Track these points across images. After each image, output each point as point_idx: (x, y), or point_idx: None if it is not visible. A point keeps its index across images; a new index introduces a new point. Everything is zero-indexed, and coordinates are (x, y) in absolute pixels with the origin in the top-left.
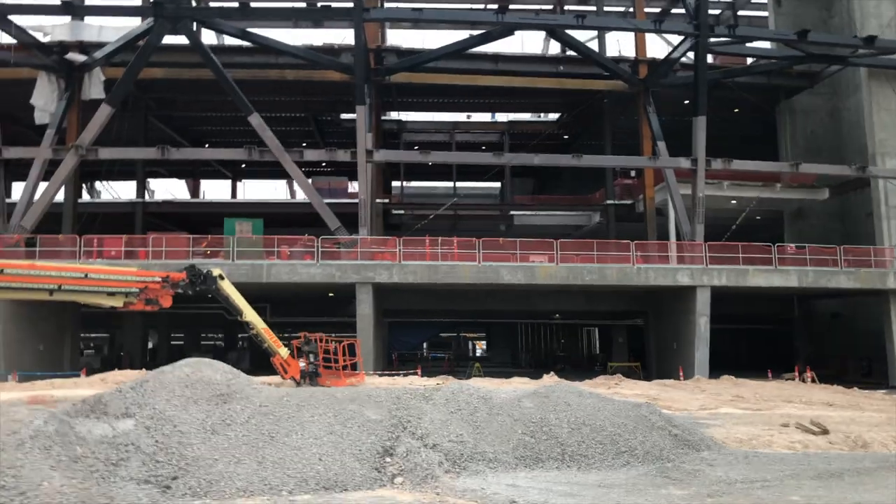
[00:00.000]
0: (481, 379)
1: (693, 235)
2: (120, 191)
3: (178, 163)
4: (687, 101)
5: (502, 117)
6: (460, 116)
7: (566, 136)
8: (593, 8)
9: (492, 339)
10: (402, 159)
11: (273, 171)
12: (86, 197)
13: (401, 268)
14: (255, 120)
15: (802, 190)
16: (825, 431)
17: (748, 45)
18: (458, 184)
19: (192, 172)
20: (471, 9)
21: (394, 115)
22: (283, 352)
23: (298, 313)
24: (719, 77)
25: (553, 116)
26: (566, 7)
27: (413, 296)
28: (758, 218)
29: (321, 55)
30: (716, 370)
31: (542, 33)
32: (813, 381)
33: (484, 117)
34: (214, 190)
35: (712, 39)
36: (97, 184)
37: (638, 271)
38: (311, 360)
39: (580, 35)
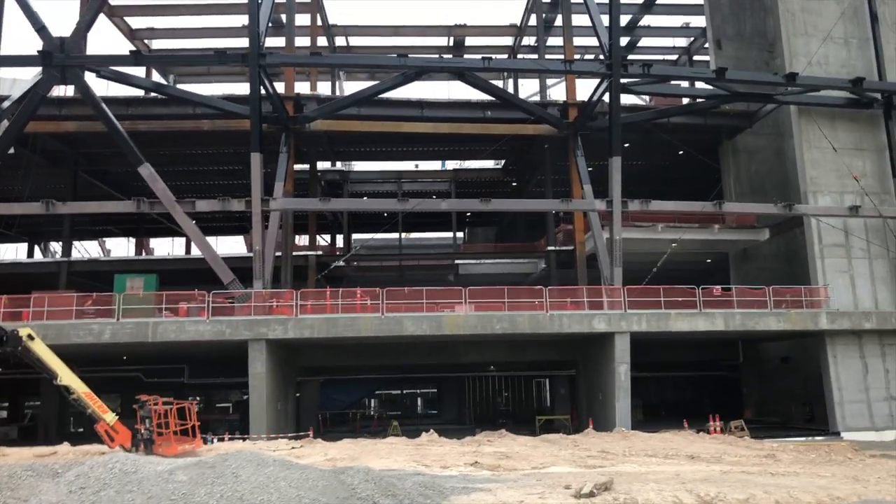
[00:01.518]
0: (357, 441)
1: (611, 279)
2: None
3: (122, 219)
4: (627, 145)
5: (457, 165)
6: (409, 165)
7: (515, 183)
8: (534, 55)
9: (442, 394)
10: (303, 207)
11: (229, 226)
12: (38, 256)
13: (297, 322)
14: (146, 171)
15: (742, 231)
16: (591, 494)
17: (683, 84)
18: (419, 234)
19: (138, 230)
20: (378, 55)
21: (340, 165)
22: (110, 418)
23: (219, 373)
24: (650, 118)
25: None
26: (519, 56)
27: (336, 352)
28: (708, 261)
29: (229, 104)
30: (663, 421)
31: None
32: (740, 430)
33: (435, 165)
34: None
35: (627, 80)
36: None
37: (551, 318)
38: (147, 425)
39: (529, 83)
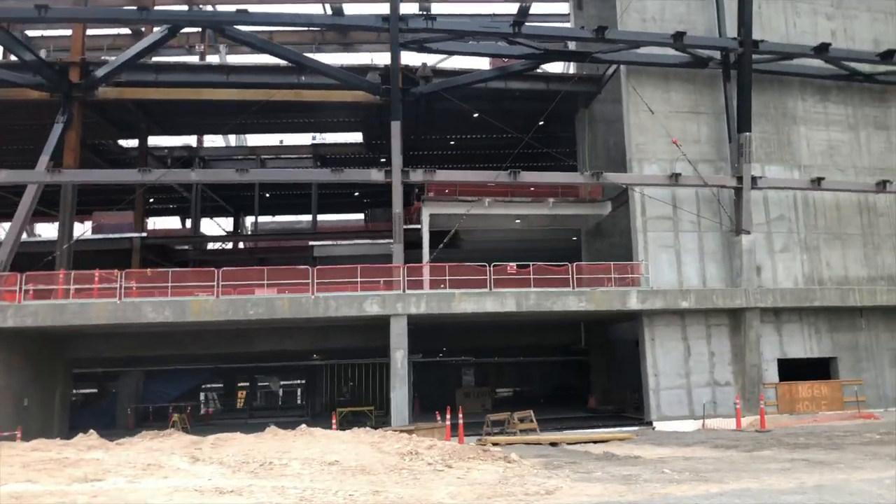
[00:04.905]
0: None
1: (393, 257)
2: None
3: None
4: (476, 115)
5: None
6: (273, 140)
7: (383, 159)
8: None
9: (310, 384)
10: (23, 180)
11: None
12: None
13: (18, 309)
14: None
15: (580, 205)
16: None
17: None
18: (287, 217)
19: None
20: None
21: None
22: None
23: None
24: (466, 83)
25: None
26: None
27: (143, 341)
28: (574, 238)
29: None
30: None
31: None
32: (528, 421)
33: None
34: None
35: (420, 38)
36: None
37: (316, 301)
38: None
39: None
